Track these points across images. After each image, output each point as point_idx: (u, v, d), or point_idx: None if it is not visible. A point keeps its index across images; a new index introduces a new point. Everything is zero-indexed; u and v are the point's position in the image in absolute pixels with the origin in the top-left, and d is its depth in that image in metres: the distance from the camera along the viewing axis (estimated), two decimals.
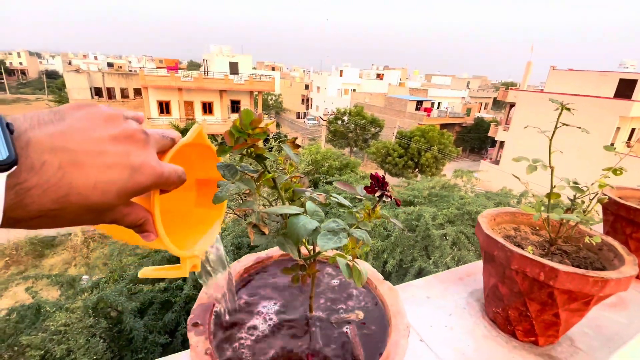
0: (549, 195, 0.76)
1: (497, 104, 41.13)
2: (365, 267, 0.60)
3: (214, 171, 0.44)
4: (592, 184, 0.77)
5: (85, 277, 4.73)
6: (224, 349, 0.51)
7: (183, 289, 3.47)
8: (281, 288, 0.65)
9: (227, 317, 0.55)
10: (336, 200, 0.49)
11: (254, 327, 0.55)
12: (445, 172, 16.83)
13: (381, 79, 44.85)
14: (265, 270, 0.70)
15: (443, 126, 25.03)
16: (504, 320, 0.81)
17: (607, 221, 1.11)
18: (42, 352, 2.79)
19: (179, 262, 0.41)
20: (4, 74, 51.74)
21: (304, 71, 63.55)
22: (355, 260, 0.43)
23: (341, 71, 40.78)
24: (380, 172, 2.10)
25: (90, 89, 28.25)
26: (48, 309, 3.20)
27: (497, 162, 21.82)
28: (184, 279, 3.56)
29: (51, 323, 2.91)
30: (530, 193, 0.86)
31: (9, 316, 3.46)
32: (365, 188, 0.48)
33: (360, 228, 0.45)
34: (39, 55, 79.86)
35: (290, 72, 70.15)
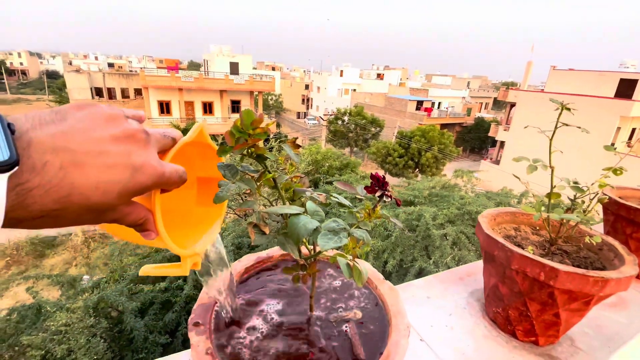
0: (549, 195, 0.76)
1: (498, 104, 41.10)
2: (366, 267, 0.60)
3: (215, 170, 0.44)
4: (593, 183, 0.77)
5: (85, 277, 4.74)
6: (225, 348, 0.51)
7: (183, 289, 3.47)
8: (282, 288, 0.65)
9: (228, 317, 0.55)
10: (336, 200, 0.49)
11: (255, 327, 0.55)
12: (446, 172, 16.82)
13: (381, 79, 44.82)
14: (266, 270, 0.70)
15: (443, 126, 25.01)
16: (504, 320, 0.81)
17: (607, 221, 1.11)
18: (43, 352, 2.80)
19: (180, 261, 0.41)
20: (4, 74, 51.77)
21: (304, 71, 63.52)
22: (356, 260, 0.43)
23: (341, 71, 40.75)
24: (381, 172, 2.10)
25: (91, 89, 28.29)
26: (49, 309, 3.21)
27: (497, 162, 21.81)
28: (185, 279, 3.56)
29: (52, 323, 2.91)
30: (531, 193, 0.86)
31: (9, 316, 3.46)
32: (366, 188, 0.48)
33: (360, 228, 0.45)
34: (39, 56, 79.94)
35: (290, 72, 70.14)
